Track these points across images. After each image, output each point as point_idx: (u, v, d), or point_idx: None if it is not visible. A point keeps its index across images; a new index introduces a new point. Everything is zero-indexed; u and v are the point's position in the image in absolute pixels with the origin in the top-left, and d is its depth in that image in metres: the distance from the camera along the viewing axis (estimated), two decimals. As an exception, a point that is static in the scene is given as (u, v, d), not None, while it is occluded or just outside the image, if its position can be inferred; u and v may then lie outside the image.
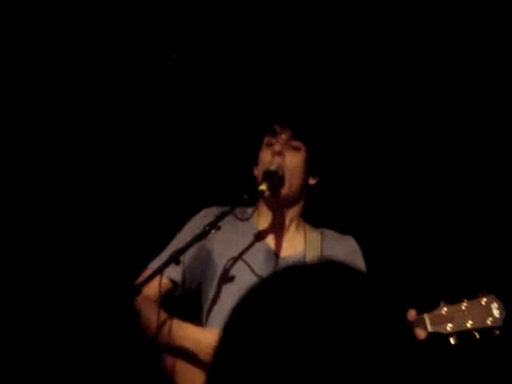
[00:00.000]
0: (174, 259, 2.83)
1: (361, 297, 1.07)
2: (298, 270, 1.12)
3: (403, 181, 4.08)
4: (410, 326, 1.11)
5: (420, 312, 3.01)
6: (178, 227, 3.20)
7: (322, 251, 3.13)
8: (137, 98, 4.13)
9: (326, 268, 1.11)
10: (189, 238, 2.93)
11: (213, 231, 2.89)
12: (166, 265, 2.82)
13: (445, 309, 3.02)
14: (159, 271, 2.82)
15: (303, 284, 1.07)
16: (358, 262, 3.13)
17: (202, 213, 3.12)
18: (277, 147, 3.03)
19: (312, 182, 3.15)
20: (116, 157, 4.13)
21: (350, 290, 1.07)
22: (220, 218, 2.92)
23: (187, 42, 4.12)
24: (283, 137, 3.05)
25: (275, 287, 1.08)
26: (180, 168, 4.14)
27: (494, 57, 3.97)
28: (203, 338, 2.96)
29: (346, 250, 3.14)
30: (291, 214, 3.15)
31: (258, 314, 1.07)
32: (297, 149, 3.07)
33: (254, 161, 3.12)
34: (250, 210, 3.11)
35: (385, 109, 4.07)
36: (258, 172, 3.09)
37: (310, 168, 3.11)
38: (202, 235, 2.89)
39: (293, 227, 3.16)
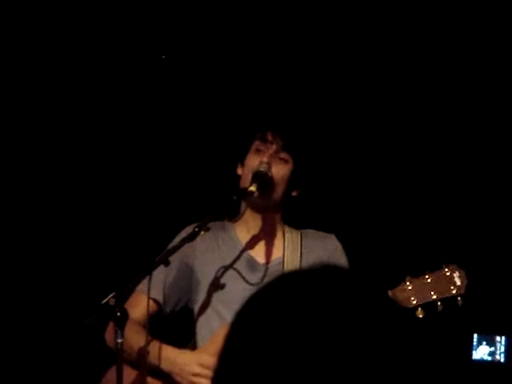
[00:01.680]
0: (164, 261, 2.81)
1: (356, 298, 1.10)
2: (291, 277, 1.16)
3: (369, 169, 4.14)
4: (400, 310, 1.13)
5: (385, 289, 3.06)
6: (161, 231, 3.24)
7: (301, 253, 3.15)
8: (129, 99, 4.14)
9: (321, 273, 1.14)
10: (174, 260, 2.92)
11: (202, 232, 2.88)
12: (155, 267, 2.81)
13: (408, 283, 3.07)
14: (147, 275, 2.79)
15: (296, 290, 1.11)
16: (340, 259, 3.16)
17: (187, 229, 3.08)
18: (265, 158, 3.03)
19: (294, 193, 3.16)
20: (102, 157, 4.14)
21: (343, 293, 1.10)
22: (208, 221, 2.90)
23: (184, 44, 4.14)
24: (273, 147, 3.06)
25: (271, 295, 1.11)
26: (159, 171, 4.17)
27: (494, 57, 4.01)
28: (179, 360, 2.95)
29: (327, 248, 3.17)
30: (271, 219, 3.16)
31: (259, 322, 1.09)
32: (285, 161, 3.08)
33: (240, 159, 3.14)
34: (229, 220, 3.13)
35: (371, 124, 4.13)
36: (243, 173, 3.10)
37: (294, 181, 3.12)
38: (192, 236, 2.88)
39: (273, 232, 3.17)
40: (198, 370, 2.91)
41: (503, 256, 4.01)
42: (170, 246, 3.05)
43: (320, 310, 1.07)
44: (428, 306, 3.08)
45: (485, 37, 3.99)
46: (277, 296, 1.10)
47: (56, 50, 4.05)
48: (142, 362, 2.93)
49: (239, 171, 3.13)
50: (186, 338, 3.13)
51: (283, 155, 3.07)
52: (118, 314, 2.67)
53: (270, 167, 3.03)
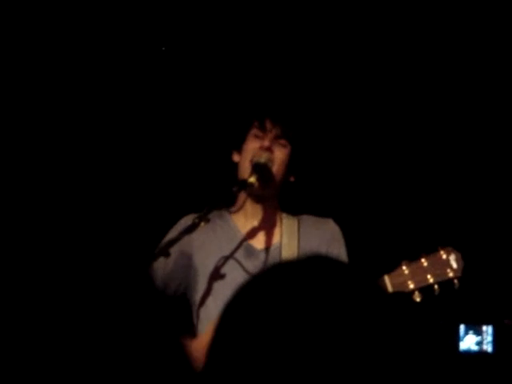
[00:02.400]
0: (164, 252, 2.82)
1: (343, 288, 1.10)
2: (282, 268, 1.16)
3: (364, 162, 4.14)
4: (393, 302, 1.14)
5: (381, 274, 3.07)
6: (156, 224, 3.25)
7: (299, 238, 3.16)
8: (125, 88, 4.13)
9: (308, 264, 1.14)
10: (172, 249, 2.92)
11: (202, 223, 2.87)
12: (155, 258, 2.82)
13: (404, 267, 3.07)
14: (148, 265, 2.77)
15: (289, 282, 1.11)
16: (338, 243, 3.18)
17: (182, 221, 3.10)
18: (266, 143, 3.04)
19: (292, 179, 3.17)
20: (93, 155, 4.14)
21: (332, 284, 1.10)
22: (207, 212, 2.90)
23: (182, 33, 4.12)
24: (272, 133, 3.07)
25: (260, 288, 1.12)
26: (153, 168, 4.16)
27: (494, 57, 4.00)
28: None
29: (324, 233, 3.17)
30: (269, 206, 3.17)
31: (248, 313, 1.09)
32: (283, 146, 3.09)
33: (235, 147, 3.14)
34: (229, 209, 3.13)
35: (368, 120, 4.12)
36: (240, 159, 3.10)
37: (292, 166, 3.13)
38: (192, 228, 2.88)
39: (270, 219, 3.18)
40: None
41: (489, 246, 4.00)
42: (168, 237, 3.05)
43: (310, 302, 1.07)
44: (425, 290, 3.08)
45: (485, 37, 3.98)
46: (264, 289, 1.10)
47: (54, 47, 4.04)
48: None
49: (235, 158, 3.14)
50: (185, 328, 3.13)
51: (282, 141, 3.09)
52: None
53: (271, 152, 3.04)
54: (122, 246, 4.05)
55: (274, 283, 1.11)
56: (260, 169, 3.00)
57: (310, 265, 1.13)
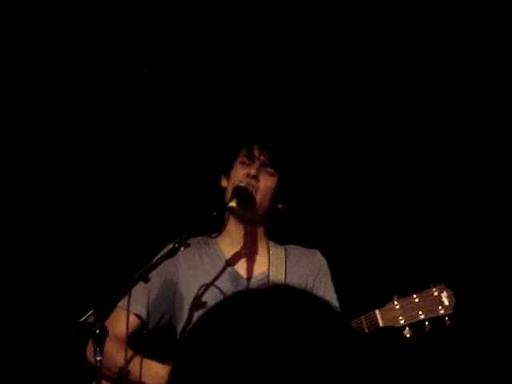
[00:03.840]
0: (143, 277, 2.79)
1: (299, 320, 1.10)
2: (246, 294, 1.17)
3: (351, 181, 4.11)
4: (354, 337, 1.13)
5: (372, 308, 3.04)
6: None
7: (285, 268, 3.15)
8: (114, 117, 4.11)
9: (273, 292, 1.14)
10: (157, 277, 2.94)
11: (182, 248, 2.86)
12: (134, 283, 2.78)
13: (396, 303, 3.06)
14: (127, 291, 2.77)
15: (249, 307, 1.11)
16: (324, 275, 3.16)
17: (169, 246, 3.03)
18: (252, 170, 3.05)
19: (279, 206, 3.17)
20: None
21: (295, 313, 1.10)
22: (187, 236, 2.88)
23: (173, 54, 4.11)
24: (259, 160, 3.08)
25: (223, 312, 1.12)
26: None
27: (494, 57, 3.99)
28: (160, 370, 2.93)
29: (311, 265, 3.16)
30: (256, 233, 3.16)
31: (210, 333, 1.10)
32: (271, 174, 3.09)
33: (224, 171, 3.15)
34: (213, 235, 3.09)
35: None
36: (227, 186, 3.10)
37: (279, 194, 3.12)
38: (172, 253, 2.87)
39: (257, 246, 3.17)
40: None
41: (491, 276, 3.97)
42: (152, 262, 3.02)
43: (271, 334, 1.07)
44: (416, 326, 3.06)
45: (485, 37, 3.97)
46: (224, 317, 1.11)
47: (56, 51, 4.02)
48: (122, 379, 2.89)
49: (223, 183, 3.15)
50: (167, 354, 3.08)
51: (269, 169, 3.09)
52: (97, 331, 2.63)
53: (257, 180, 3.05)
54: (108, 267, 4.01)
55: (233, 310, 1.11)
56: (240, 192, 3.00)
57: (274, 294, 1.14)
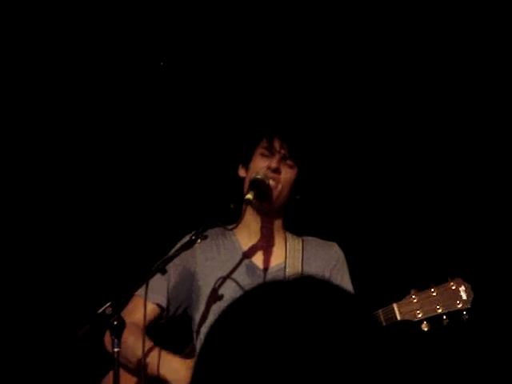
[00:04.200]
0: (161, 269, 2.80)
1: (331, 311, 1.09)
2: (273, 285, 1.15)
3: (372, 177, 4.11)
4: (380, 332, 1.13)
5: (390, 301, 3.04)
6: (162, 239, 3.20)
7: (302, 260, 3.14)
8: (130, 104, 4.10)
9: (300, 283, 1.13)
10: (175, 267, 2.97)
11: (198, 240, 2.86)
12: (151, 275, 2.80)
13: (414, 296, 3.05)
14: (145, 282, 2.78)
15: (274, 301, 1.10)
16: (341, 268, 3.15)
17: (186, 237, 3.03)
18: (274, 164, 3.04)
19: (297, 197, 3.16)
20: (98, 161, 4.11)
21: (320, 304, 1.09)
22: (204, 228, 2.89)
23: (191, 46, 4.11)
24: (280, 153, 3.07)
25: (249, 303, 1.12)
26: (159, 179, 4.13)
27: (494, 57, 3.97)
28: (181, 367, 2.93)
29: (328, 257, 3.15)
30: (273, 224, 3.15)
31: (235, 327, 1.09)
32: (290, 166, 3.09)
33: (242, 161, 3.14)
34: (230, 226, 3.08)
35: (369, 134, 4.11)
36: (246, 177, 3.09)
37: (297, 186, 3.12)
38: (189, 245, 2.87)
39: (274, 238, 3.16)
40: None
41: (509, 270, 3.95)
42: (169, 254, 3.03)
43: (296, 326, 1.06)
44: (433, 320, 3.05)
45: (485, 37, 3.95)
46: (250, 309, 1.10)
47: (58, 52, 4.02)
48: (140, 370, 2.90)
49: (241, 173, 3.14)
50: (184, 344, 3.10)
51: (289, 162, 3.08)
52: (115, 322, 2.64)
53: (279, 173, 3.04)
54: (126, 260, 4.02)
55: (259, 302, 1.10)
56: (257, 185, 2.99)
57: (299, 285, 1.13)
